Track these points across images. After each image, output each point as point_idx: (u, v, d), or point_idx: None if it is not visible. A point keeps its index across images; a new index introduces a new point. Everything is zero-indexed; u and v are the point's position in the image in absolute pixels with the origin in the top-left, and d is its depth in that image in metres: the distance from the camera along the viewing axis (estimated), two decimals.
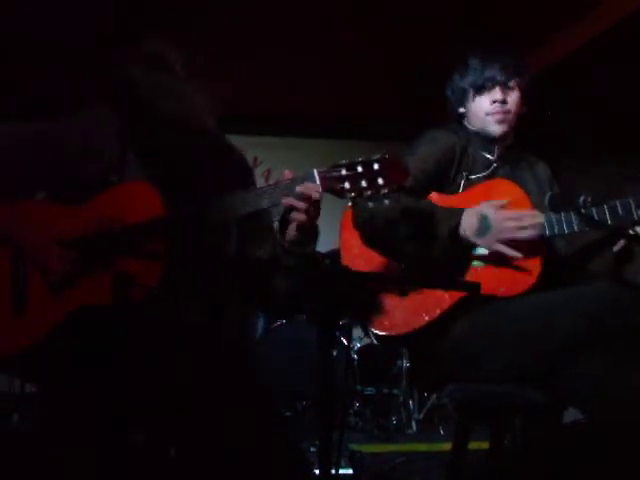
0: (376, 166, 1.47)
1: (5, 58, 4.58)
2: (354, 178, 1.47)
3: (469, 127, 2.05)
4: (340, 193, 1.48)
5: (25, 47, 4.51)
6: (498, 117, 1.97)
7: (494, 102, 1.96)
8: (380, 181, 1.46)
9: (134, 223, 1.56)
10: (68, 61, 4.54)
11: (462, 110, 2.07)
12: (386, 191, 1.46)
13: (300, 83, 5.27)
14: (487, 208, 1.80)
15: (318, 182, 1.48)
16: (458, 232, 1.79)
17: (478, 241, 1.79)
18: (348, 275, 1.33)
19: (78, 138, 1.68)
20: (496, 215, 1.79)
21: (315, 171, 1.49)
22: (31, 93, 4.76)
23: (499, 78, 1.96)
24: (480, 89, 1.98)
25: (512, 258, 1.79)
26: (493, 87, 1.96)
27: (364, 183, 1.47)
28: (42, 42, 4.41)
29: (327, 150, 5.90)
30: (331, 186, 1.48)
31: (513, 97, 1.98)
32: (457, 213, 1.80)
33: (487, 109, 1.98)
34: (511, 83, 1.98)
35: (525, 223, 1.78)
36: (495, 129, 1.98)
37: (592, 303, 1.64)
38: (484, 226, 1.78)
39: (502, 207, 1.82)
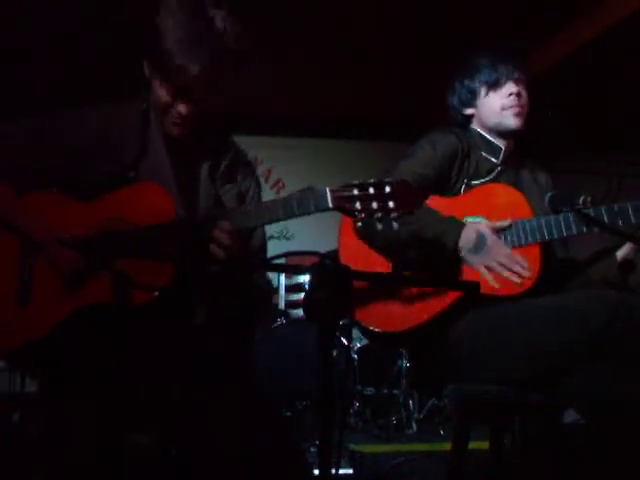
0: (388, 189, 1.47)
1: (24, 57, 4.59)
2: (365, 199, 1.47)
3: (476, 129, 2.03)
4: (350, 212, 1.49)
5: (42, 46, 4.52)
6: (515, 110, 1.96)
7: (510, 95, 1.96)
8: (391, 204, 1.47)
9: (144, 225, 1.57)
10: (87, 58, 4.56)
11: (470, 112, 2.04)
12: (396, 215, 1.47)
13: (301, 83, 5.27)
14: (487, 229, 1.81)
15: (329, 200, 1.49)
16: (457, 246, 1.79)
17: (468, 257, 1.79)
18: (349, 274, 1.33)
19: (94, 132, 1.69)
20: (492, 242, 1.79)
21: (327, 189, 1.50)
22: (49, 93, 4.76)
23: (513, 72, 1.97)
24: (495, 85, 1.97)
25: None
26: (507, 82, 1.97)
27: (375, 205, 1.47)
28: (60, 40, 4.42)
29: (327, 150, 5.90)
30: (342, 205, 1.48)
31: (524, 92, 1.99)
32: (458, 226, 1.80)
33: (504, 103, 1.97)
34: (522, 78, 1.98)
35: (514, 268, 1.76)
36: (513, 122, 1.97)
37: (597, 311, 1.63)
38: (479, 245, 1.79)
39: (503, 229, 1.82)
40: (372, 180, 1.48)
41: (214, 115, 1.75)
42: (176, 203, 1.63)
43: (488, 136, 2.01)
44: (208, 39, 1.60)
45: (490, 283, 1.77)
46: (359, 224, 1.82)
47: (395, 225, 1.48)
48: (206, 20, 1.61)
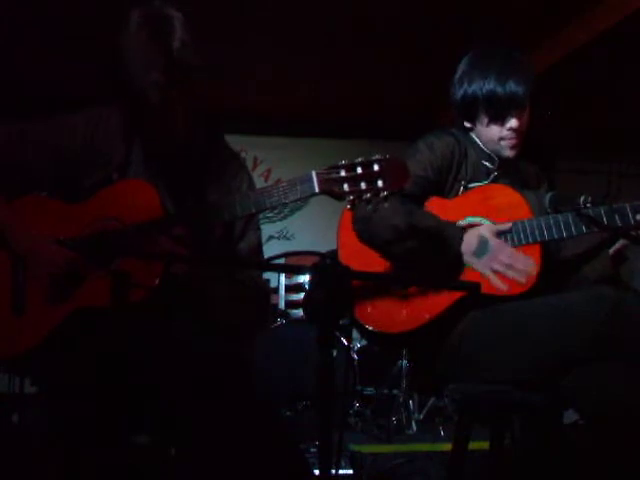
0: (376, 167, 1.44)
1: (11, 58, 4.59)
2: (353, 180, 1.44)
3: (474, 139, 2.00)
4: (338, 195, 1.45)
5: (31, 46, 4.52)
6: (513, 142, 1.93)
7: (510, 129, 1.91)
8: (380, 183, 1.43)
9: (134, 223, 1.56)
10: (75, 59, 4.56)
11: (469, 125, 2.00)
12: (385, 194, 1.43)
13: (300, 83, 5.27)
14: (488, 233, 1.80)
15: (316, 184, 1.46)
16: (459, 252, 1.79)
17: (472, 261, 1.79)
18: (349, 274, 1.33)
19: (79, 136, 1.69)
20: (495, 244, 1.78)
21: (313, 173, 1.47)
22: (37, 93, 4.77)
23: (520, 101, 1.89)
24: (497, 119, 1.91)
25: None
26: (511, 119, 1.90)
27: (363, 185, 1.43)
28: (48, 41, 4.42)
29: (327, 150, 5.90)
30: (329, 188, 1.45)
31: (525, 117, 1.94)
32: (459, 232, 1.80)
33: (502, 135, 1.93)
34: (527, 104, 1.92)
35: (518, 266, 1.76)
36: (508, 153, 1.95)
37: (596, 310, 1.62)
38: (481, 248, 1.79)
39: (504, 232, 1.82)
40: (360, 159, 1.45)
41: (202, 115, 1.74)
42: (164, 201, 1.62)
43: (485, 149, 1.99)
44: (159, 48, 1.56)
45: (496, 285, 1.77)
46: (356, 215, 1.82)
47: (385, 205, 1.45)
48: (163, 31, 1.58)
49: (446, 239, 1.79)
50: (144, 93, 1.54)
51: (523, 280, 1.76)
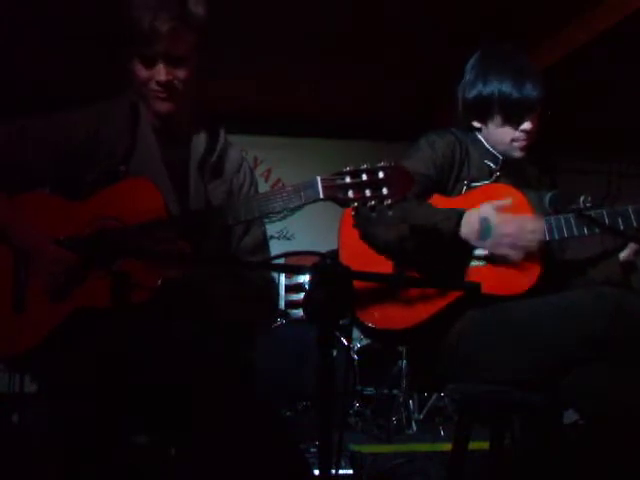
0: (381, 174, 1.43)
1: (11, 58, 4.59)
2: (358, 187, 1.43)
3: (480, 139, 2.00)
4: (343, 202, 1.44)
5: (31, 46, 4.52)
6: (524, 143, 1.94)
7: (523, 131, 1.92)
8: (384, 191, 1.42)
9: (136, 224, 1.56)
10: (74, 57, 4.56)
11: (478, 125, 2.00)
12: (390, 201, 1.43)
13: (300, 83, 5.26)
14: (488, 210, 1.78)
15: (320, 190, 1.45)
16: (458, 234, 1.78)
17: (479, 244, 1.78)
18: (349, 274, 1.33)
19: (80, 133, 1.69)
20: (497, 218, 1.76)
21: (318, 178, 1.46)
22: (37, 93, 4.76)
23: (535, 105, 1.89)
24: (512, 121, 1.91)
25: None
26: (526, 121, 1.90)
27: (368, 192, 1.43)
28: (48, 41, 4.42)
29: (327, 150, 5.90)
30: (334, 194, 1.44)
31: (537, 119, 1.94)
32: (457, 214, 1.79)
33: (515, 136, 1.93)
34: (541, 107, 1.92)
35: (528, 227, 1.76)
36: (518, 154, 1.96)
37: (598, 310, 1.62)
38: (485, 229, 1.77)
39: (504, 207, 1.80)
40: (365, 166, 1.44)
41: (204, 111, 1.75)
42: (168, 197, 1.62)
43: (491, 149, 1.99)
44: (174, 6, 1.58)
45: (516, 259, 1.75)
46: (356, 221, 1.81)
47: (389, 213, 1.45)
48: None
49: (442, 221, 1.77)
50: (150, 34, 1.54)
51: (540, 236, 1.75)
